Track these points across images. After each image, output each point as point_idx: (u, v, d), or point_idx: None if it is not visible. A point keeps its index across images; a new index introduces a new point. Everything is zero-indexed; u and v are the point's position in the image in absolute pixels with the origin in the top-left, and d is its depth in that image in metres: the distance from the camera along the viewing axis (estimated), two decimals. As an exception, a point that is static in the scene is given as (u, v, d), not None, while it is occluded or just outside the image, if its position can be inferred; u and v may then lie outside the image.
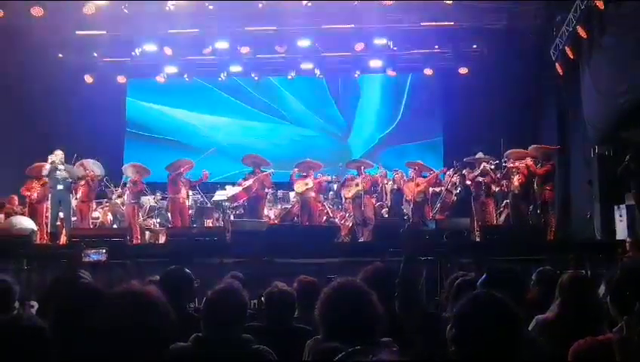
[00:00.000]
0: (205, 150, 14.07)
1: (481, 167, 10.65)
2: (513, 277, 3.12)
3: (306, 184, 11.13)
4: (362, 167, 11.30)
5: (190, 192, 11.67)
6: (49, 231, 10.32)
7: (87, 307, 2.51)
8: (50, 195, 10.43)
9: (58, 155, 10.43)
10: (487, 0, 10.93)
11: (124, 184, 11.69)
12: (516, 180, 10.24)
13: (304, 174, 11.33)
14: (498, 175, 10.78)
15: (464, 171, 11.33)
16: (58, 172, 10.29)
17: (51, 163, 10.32)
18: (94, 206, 11.69)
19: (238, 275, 4.64)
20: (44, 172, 10.36)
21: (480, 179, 10.63)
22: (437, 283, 7.34)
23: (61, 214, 10.45)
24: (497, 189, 10.87)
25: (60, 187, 10.29)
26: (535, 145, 10.33)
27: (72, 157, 10.94)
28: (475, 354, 1.89)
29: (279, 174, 12.02)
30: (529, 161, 10.11)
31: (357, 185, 10.92)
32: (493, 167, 10.71)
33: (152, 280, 3.89)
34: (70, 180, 10.40)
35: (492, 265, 3.28)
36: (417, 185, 11.00)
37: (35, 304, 6.76)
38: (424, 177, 11.35)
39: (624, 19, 8.71)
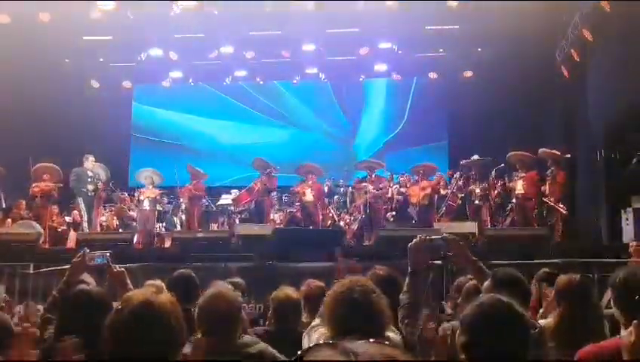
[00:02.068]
0: (210, 154, 14.13)
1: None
2: (517, 280, 3.10)
3: (297, 191, 11.26)
4: (372, 169, 11.28)
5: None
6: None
7: (92, 314, 2.52)
8: (80, 199, 10.58)
9: (90, 160, 10.59)
10: (492, 0, 10.89)
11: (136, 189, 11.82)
12: (520, 184, 10.21)
13: (303, 178, 11.36)
14: (505, 180, 10.76)
15: (469, 174, 11.31)
16: (89, 178, 10.45)
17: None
18: (102, 210, 11.76)
19: (237, 282, 4.64)
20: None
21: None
22: (443, 287, 7.32)
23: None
24: (496, 192, 10.80)
25: (89, 191, 10.43)
26: (544, 150, 10.26)
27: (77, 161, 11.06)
28: (485, 359, 1.88)
29: (284, 178, 12.04)
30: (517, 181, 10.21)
31: (366, 192, 10.89)
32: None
33: (153, 285, 3.89)
34: (99, 184, 10.56)
35: (496, 269, 3.24)
36: (423, 188, 10.96)
37: (41, 308, 6.77)
38: (431, 180, 11.32)
39: (630, 21, 8.70)
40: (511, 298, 2.02)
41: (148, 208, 11.05)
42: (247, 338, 2.96)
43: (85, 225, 10.66)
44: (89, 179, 10.54)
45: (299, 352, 1.14)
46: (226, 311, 2.83)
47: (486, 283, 3.12)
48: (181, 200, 11.91)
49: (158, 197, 11.33)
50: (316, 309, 3.34)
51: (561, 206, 9.82)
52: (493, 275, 3.12)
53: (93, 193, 10.55)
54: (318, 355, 1.11)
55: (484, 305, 1.95)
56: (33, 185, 10.56)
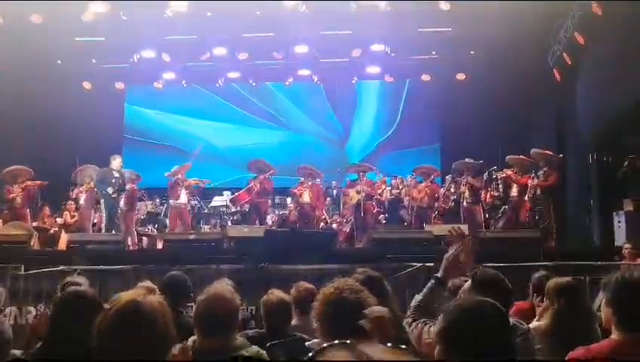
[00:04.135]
0: (203, 155, 14.09)
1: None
2: (497, 280, 3.10)
3: (294, 192, 11.34)
4: (363, 173, 11.31)
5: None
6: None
7: (83, 315, 2.51)
8: (102, 201, 10.50)
9: (117, 160, 10.52)
10: (485, 0, 10.92)
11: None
12: (514, 187, 10.22)
13: (302, 180, 11.37)
14: (493, 184, 10.78)
15: (462, 177, 11.32)
16: (114, 180, 10.38)
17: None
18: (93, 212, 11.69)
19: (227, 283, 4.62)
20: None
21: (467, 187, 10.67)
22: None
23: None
24: (489, 194, 10.81)
25: (111, 193, 10.36)
26: (536, 150, 10.30)
27: (74, 162, 11.04)
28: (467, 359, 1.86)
29: (277, 179, 12.03)
30: (508, 171, 10.26)
31: (358, 193, 10.91)
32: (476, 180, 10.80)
33: (145, 286, 3.87)
34: (127, 186, 10.50)
35: (476, 270, 3.24)
36: (419, 191, 10.99)
37: (33, 310, 6.74)
38: (438, 182, 11.37)
39: (621, 25, 8.75)
40: (493, 298, 2.01)
41: (123, 209, 10.88)
42: (239, 340, 2.96)
43: (105, 225, 10.52)
44: (113, 180, 10.43)
45: (310, 354, 1.12)
46: (224, 311, 2.83)
47: (466, 285, 3.13)
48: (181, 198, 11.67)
49: (135, 197, 11.09)
50: (306, 311, 3.34)
51: (540, 207, 9.90)
52: (473, 276, 3.11)
53: (114, 195, 10.40)
54: (332, 355, 1.09)
55: (464, 305, 1.94)
56: (21, 183, 10.44)
